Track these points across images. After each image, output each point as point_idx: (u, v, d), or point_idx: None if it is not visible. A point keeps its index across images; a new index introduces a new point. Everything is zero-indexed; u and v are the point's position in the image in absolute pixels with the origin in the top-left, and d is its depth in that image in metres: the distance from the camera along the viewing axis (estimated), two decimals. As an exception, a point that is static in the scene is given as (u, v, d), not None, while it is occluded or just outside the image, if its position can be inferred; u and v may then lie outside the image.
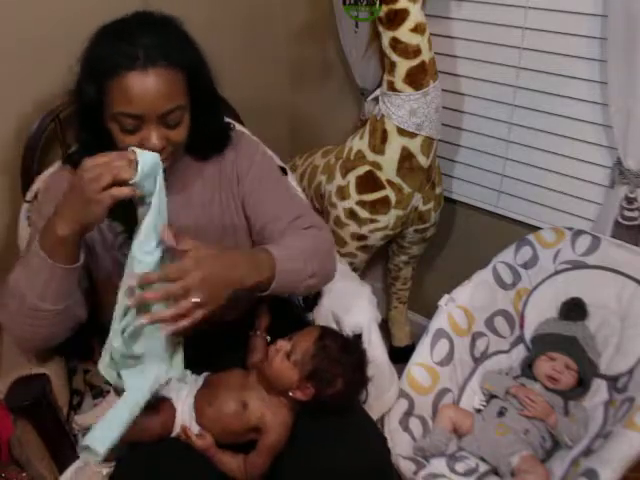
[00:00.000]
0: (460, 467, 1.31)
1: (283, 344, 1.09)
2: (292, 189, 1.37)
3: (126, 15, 1.08)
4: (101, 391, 1.21)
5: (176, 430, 1.07)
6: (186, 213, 1.19)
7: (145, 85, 1.00)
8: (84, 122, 1.10)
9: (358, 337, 1.14)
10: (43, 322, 1.04)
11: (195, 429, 1.07)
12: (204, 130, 1.15)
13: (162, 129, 1.04)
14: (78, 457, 1.13)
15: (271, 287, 1.07)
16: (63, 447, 1.13)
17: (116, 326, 0.99)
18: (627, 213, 1.49)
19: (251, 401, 1.07)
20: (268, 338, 1.21)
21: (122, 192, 0.94)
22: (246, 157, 1.25)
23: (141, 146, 1.02)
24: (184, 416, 1.07)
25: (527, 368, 1.46)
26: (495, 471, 1.31)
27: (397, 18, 1.47)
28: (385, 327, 2.07)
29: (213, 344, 1.18)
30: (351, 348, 1.12)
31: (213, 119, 1.19)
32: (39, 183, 1.35)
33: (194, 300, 0.93)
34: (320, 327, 1.15)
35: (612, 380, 1.39)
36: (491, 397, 1.44)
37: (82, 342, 1.25)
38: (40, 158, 1.41)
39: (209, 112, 1.15)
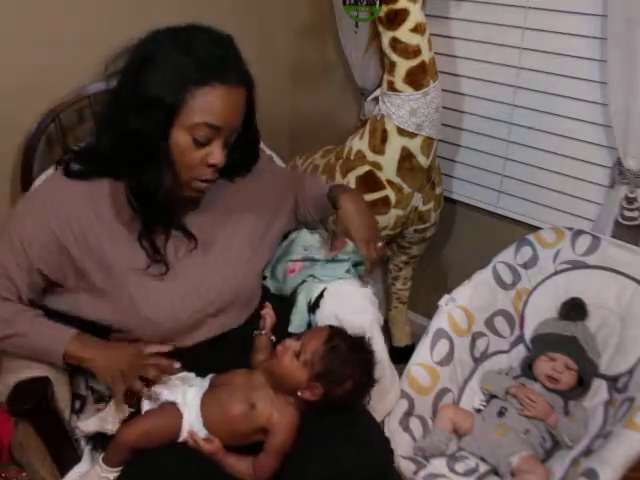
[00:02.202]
0: (460, 467, 1.31)
1: (292, 343, 1.08)
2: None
3: (184, 25, 1.07)
4: (103, 396, 1.21)
5: (183, 435, 1.06)
6: (222, 227, 1.23)
7: (231, 100, 1.04)
8: (127, 128, 1.03)
9: (366, 338, 1.13)
10: None
11: (202, 433, 1.06)
12: (242, 152, 1.18)
13: (224, 147, 1.07)
14: (79, 461, 1.12)
15: None
16: (64, 450, 1.12)
17: None
18: (627, 213, 1.49)
19: (259, 402, 1.07)
20: (273, 338, 1.21)
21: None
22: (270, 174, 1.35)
23: (206, 161, 1.06)
24: (191, 421, 1.06)
25: (527, 368, 1.46)
26: (495, 471, 1.31)
27: (397, 18, 1.47)
28: (385, 327, 2.07)
29: (218, 345, 1.19)
30: (360, 348, 1.12)
31: (254, 142, 1.25)
32: (39, 183, 1.35)
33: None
34: (329, 327, 1.14)
35: (612, 380, 1.39)
36: (491, 397, 1.44)
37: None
38: (40, 158, 1.41)
39: (252, 134, 1.20)
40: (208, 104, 1.02)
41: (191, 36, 1.05)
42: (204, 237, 1.19)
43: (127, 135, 1.04)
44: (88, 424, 1.13)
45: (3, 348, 1.13)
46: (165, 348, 1.13)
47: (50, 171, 1.29)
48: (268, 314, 1.24)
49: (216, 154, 1.06)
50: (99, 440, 1.13)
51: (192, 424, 1.06)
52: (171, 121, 1.02)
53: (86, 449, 1.15)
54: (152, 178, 1.05)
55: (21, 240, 1.07)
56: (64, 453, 1.12)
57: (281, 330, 1.24)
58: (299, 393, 1.06)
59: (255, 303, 1.29)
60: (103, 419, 1.12)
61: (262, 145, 1.36)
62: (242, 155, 1.19)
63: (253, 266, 1.27)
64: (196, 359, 1.16)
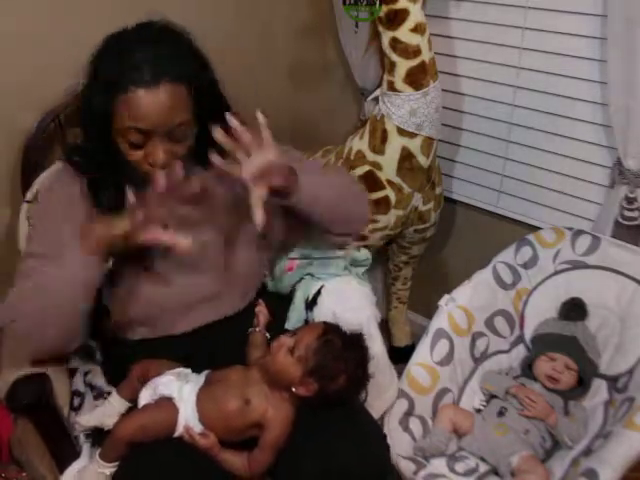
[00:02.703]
0: (460, 467, 1.31)
1: (286, 339, 1.09)
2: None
3: (128, 27, 1.09)
4: (102, 392, 1.21)
5: (179, 430, 1.07)
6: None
7: (153, 101, 1.03)
8: (90, 131, 1.13)
9: (360, 334, 1.14)
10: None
11: (198, 428, 1.07)
12: (211, 140, 1.14)
13: (167, 144, 1.06)
14: (78, 457, 1.12)
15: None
16: (63, 447, 1.12)
17: None
18: (627, 213, 1.49)
19: (253, 397, 1.07)
20: (268, 335, 1.21)
21: None
22: None
23: (146, 161, 1.06)
24: (187, 416, 1.07)
25: (527, 368, 1.46)
26: (495, 471, 1.31)
27: (397, 18, 1.47)
28: (385, 327, 2.07)
29: (213, 341, 1.19)
30: (354, 344, 1.12)
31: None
32: (39, 183, 1.35)
33: None
34: (323, 323, 1.15)
35: (612, 380, 1.39)
36: (491, 397, 1.44)
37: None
38: (40, 158, 1.41)
39: (214, 122, 1.15)
40: (131, 109, 1.03)
41: (124, 40, 1.07)
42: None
43: (91, 138, 1.12)
44: (87, 418, 1.14)
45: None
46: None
47: (57, 164, 1.29)
48: (261, 312, 1.25)
49: (154, 154, 1.06)
50: (98, 436, 1.13)
51: (188, 419, 1.07)
52: (109, 128, 1.06)
53: (85, 445, 1.14)
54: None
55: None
56: (63, 449, 1.12)
57: (278, 327, 1.25)
58: (293, 389, 1.07)
59: (251, 295, 1.29)
60: (102, 413, 1.13)
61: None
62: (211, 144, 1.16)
63: (249, 251, 1.26)
64: (191, 347, 1.17)
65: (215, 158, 1.07)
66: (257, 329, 1.22)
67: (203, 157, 1.15)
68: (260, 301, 1.28)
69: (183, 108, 1.06)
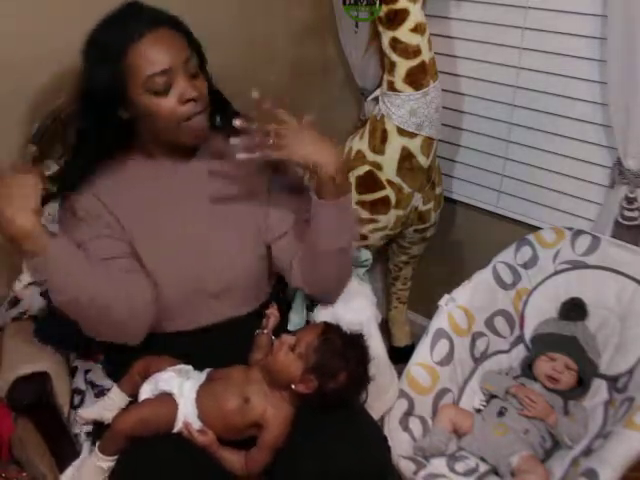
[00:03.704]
0: (460, 467, 1.31)
1: (288, 338, 1.10)
2: None
3: (118, 7, 1.13)
4: (102, 390, 1.21)
5: (178, 426, 1.07)
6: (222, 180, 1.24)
7: (161, 40, 1.08)
8: (98, 113, 1.13)
9: (361, 334, 1.14)
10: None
11: (197, 425, 1.07)
12: (213, 96, 1.20)
13: (190, 80, 1.10)
14: (79, 456, 1.13)
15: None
16: (64, 446, 1.13)
17: None
18: (627, 213, 1.49)
19: (253, 396, 1.08)
20: (273, 338, 1.21)
21: None
22: None
23: (182, 99, 1.09)
24: (186, 412, 1.07)
25: (527, 368, 1.46)
26: (495, 471, 1.31)
27: (397, 18, 1.47)
28: (385, 327, 2.07)
29: (216, 340, 1.19)
30: (355, 343, 1.12)
31: (216, 92, 1.24)
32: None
33: None
34: (324, 323, 1.16)
35: (612, 380, 1.39)
36: (491, 397, 1.44)
37: (83, 341, 1.25)
38: (40, 158, 1.41)
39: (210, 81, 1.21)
40: (143, 58, 1.07)
41: (116, 15, 1.12)
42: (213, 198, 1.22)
43: (98, 120, 1.14)
44: (88, 411, 1.15)
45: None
46: None
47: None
48: (273, 314, 1.24)
49: (185, 89, 1.09)
50: (98, 434, 1.13)
51: (187, 415, 1.07)
52: (124, 91, 1.09)
53: (85, 444, 1.15)
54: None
55: None
56: (63, 448, 1.13)
57: (280, 329, 1.24)
58: (293, 387, 1.07)
59: (260, 296, 1.29)
60: (103, 407, 1.13)
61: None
62: (215, 99, 1.22)
63: (256, 249, 1.25)
64: (192, 346, 1.18)
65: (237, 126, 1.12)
66: (264, 331, 1.21)
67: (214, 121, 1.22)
68: (273, 304, 1.27)
69: (185, 44, 1.12)
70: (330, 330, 1.12)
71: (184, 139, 1.16)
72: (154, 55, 1.07)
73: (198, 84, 1.12)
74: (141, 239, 1.17)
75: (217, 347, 1.18)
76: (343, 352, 1.09)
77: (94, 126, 1.15)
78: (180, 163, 1.22)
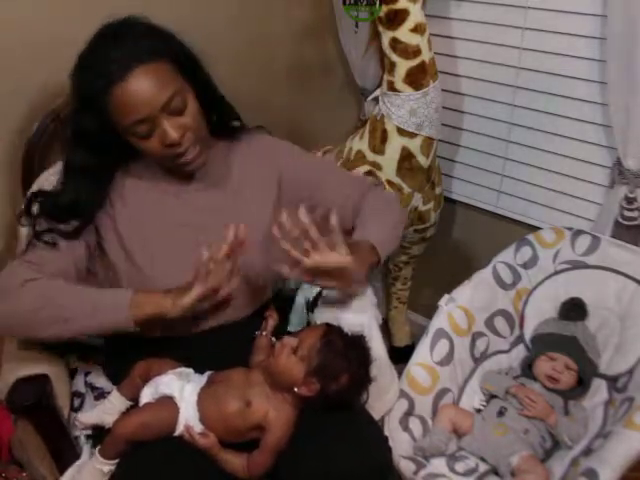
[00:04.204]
0: (460, 467, 1.31)
1: (289, 340, 1.09)
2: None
3: (91, 37, 1.09)
4: (102, 392, 1.21)
5: (179, 429, 1.07)
6: (237, 196, 1.25)
7: (135, 89, 1.03)
8: (92, 146, 1.12)
9: (362, 335, 1.14)
10: None
11: (198, 428, 1.07)
12: (215, 108, 1.19)
13: (173, 119, 1.07)
14: (79, 458, 1.13)
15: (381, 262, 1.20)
16: (64, 448, 1.13)
17: None
18: (627, 213, 1.50)
19: (254, 399, 1.07)
20: (273, 339, 1.21)
21: None
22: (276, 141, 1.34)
23: (164, 143, 1.07)
24: (187, 415, 1.07)
25: (527, 368, 1.45)
26: (495, 471, 1.31)
27: (397, 18, 1.47)
28: (385, 327, 2.07)
29: (217, 343, 1.19)
30: (357, 344, 1.12)
31: (216, 97, 1.21)
32: (39, 183, 1.35)
33: None
34: (326, 324, 1.15)
35: (612, 380, 1.39)
36: (491, 397, 1.44)
37: (83, 344, 1.25)
38: (40, 158, 1.41)
39: (209, 90, 1.18)
40: (118, 108, 1.04)
41: (89, 51, 1.07)
42: (217, 210, 1.22)
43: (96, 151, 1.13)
44: (87, 416, 1.14)
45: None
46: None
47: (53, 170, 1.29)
48: (271, 316, 1.25)
49: (165, 135, 1.07)
50: (98, 437, 1.13)
51: (188, 418, 1.07)
52: (114, 128, 1.08)
53: (85, 447, 1.15)
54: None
55: None
56: (63, 450, 1.13)
57: (280, 331, 1.25)
58: (296, 389, 1.07)
59: (262, 298, 1.29)
60: (102, 411, 1.13)
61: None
62: (216, 115, 1.21)
63: (264, 250, 1.24)
64: (196, 350, 1.17)
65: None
66: (264, 333, 1.21)
67: (220, 129, 1.21)
68: (271, 306, 1.27)
69: (168, 81, 1.06)
70: (332, 332, 1.11)
71: (180, 169, 1.16)
72: (129, 107, 1.04)
73: (185, 121, 1.08)
74: (140, 246, 1.17)
75: (218, 350, 1.18)
76: (345, 354, 1.08)
77: (91, 155, 1.14)
78: (183, 182, 1.22)
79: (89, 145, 1.12)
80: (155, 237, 1.18)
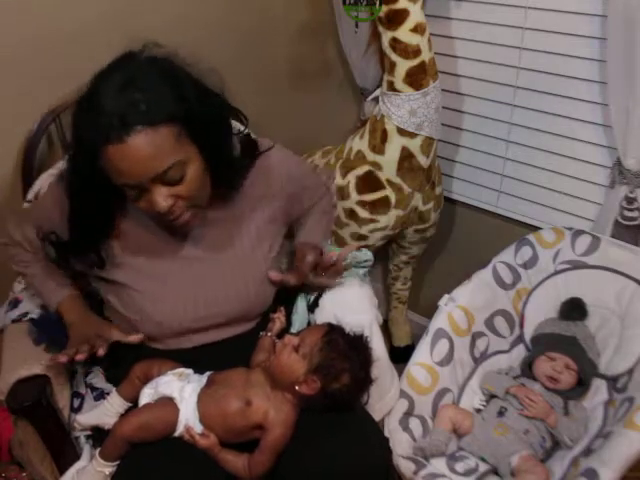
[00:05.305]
0: (460, 467, 1.31)
1: (291, 338, 1.10)
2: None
3: (98, 72, 0.99)
4: (102, 393, 1.21)
5: (179, 430, 1.07)
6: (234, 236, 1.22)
7: (127, 156, 0.94)
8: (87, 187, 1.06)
9: (364, 335, 1.14)
10: None
11: (198, 428, 1.07)
12: (225, 167, 1.10)
13: (166, 188, 0.99)
14: (79, 458, 1.12)
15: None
16: (64, 448, 1.13)
17: None
18: (627, 213, 1.50)
19: (255, 398, 1.07)
20: (277, 341, 1.20)
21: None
22: (273, 171, 1.23)
23: (151, 209, 1.01)
24: (187, 415, 1.07)
25: (527, 368, 1.46)
26: (495, 471, 1.31)
27: (397, 18, 1.47)
28: (385, 327, 2.07)
29: (217, 344, 1.19)
30: (358, 344, 1.12)
31: (228, 156, 1.12)
32: (39, 183, 1.35)
33: None
34: (328, 324, 1.16)
35: (612, 380, 1.39)
36: (491, 397, 1.44)
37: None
38: (40, 158, 1.41)
39: (222, 152, 1.09)
40: (110, 168, 0.97)
41: (93, 92, 0.97)
42: (213, 246, 1.19)
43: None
44: (87, 417, 1.14)
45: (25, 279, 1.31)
46: (133, 339, 1.16)
47: (59, 165, 1.29)
48: (279, 319, 1.24)
49: (153, 203, 1.00)
50: (98, 437, 1.13)
51: (188, 419, 1.07)
52: (106, 182, 1.01)
53: (85, 447, 1.15)
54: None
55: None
56: (63, 451, 1.13)
57: (283, 332, 1.23)
58: (297, 387, 1.07)
59: (258, 317, 1.28)
60: (102, 413, 1.13)
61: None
62: (223, 173, 1.11)
63: (265, 278, 1.23)
64: (196, 357, 1.17)
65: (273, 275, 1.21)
66: (268, 333, 1.21)
67: (228, 180, 1.13)
68: (281, 308, 1.26)
69: (169, 151, 0.96)
70: (334, 331, 1.11)
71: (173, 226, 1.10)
72: (120, 171, 0.96)
73: (180, 190, 1.01)
74: (137, 271, 1.17)
75: (218, 352, 1.18)
76: (347, 353, 1.09)
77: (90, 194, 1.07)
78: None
79: (87, 186, 1.05)
80: (149, 268, 1.17)
